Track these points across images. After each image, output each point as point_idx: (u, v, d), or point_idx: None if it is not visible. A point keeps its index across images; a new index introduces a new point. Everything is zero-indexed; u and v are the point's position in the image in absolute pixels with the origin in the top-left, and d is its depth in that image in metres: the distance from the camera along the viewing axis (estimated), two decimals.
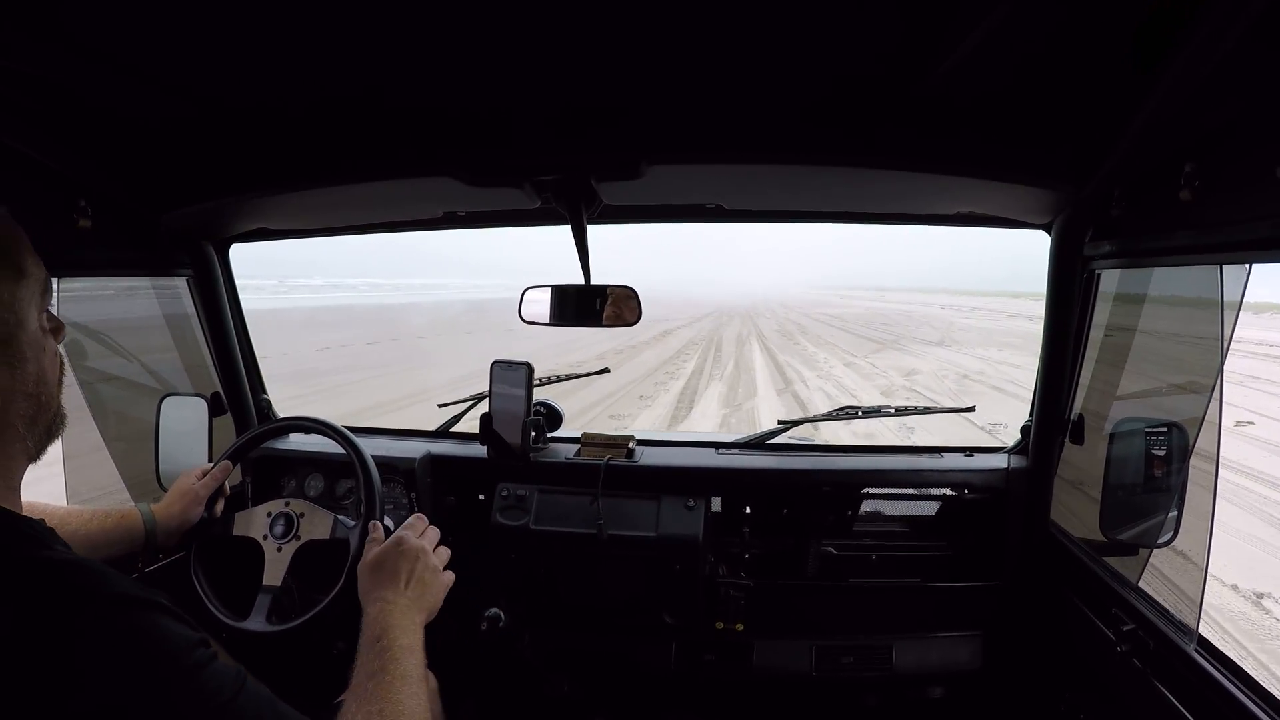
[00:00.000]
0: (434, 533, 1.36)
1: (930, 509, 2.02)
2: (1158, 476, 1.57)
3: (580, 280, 1.75)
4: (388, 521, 1.76)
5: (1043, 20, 1.01)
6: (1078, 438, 1.81)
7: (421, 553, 1.25)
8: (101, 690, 0.66)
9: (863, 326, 38.95)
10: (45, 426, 0.84)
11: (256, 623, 1.61)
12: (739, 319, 44.93)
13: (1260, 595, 5.38)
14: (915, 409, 2.24)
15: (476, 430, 2.02)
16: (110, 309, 2.12)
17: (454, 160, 1.47)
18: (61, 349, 0.90)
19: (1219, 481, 1.55)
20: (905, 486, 2.01)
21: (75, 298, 1.96)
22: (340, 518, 1.69)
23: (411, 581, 1.19)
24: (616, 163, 1.44)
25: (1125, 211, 1.47)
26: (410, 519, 1.38)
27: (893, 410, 2.19)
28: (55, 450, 0.97)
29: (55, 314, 0.88)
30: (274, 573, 1.66)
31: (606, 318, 1.80)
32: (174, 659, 0.71)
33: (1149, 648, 1.39)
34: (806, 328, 37.72)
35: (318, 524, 1.69)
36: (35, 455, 0.83)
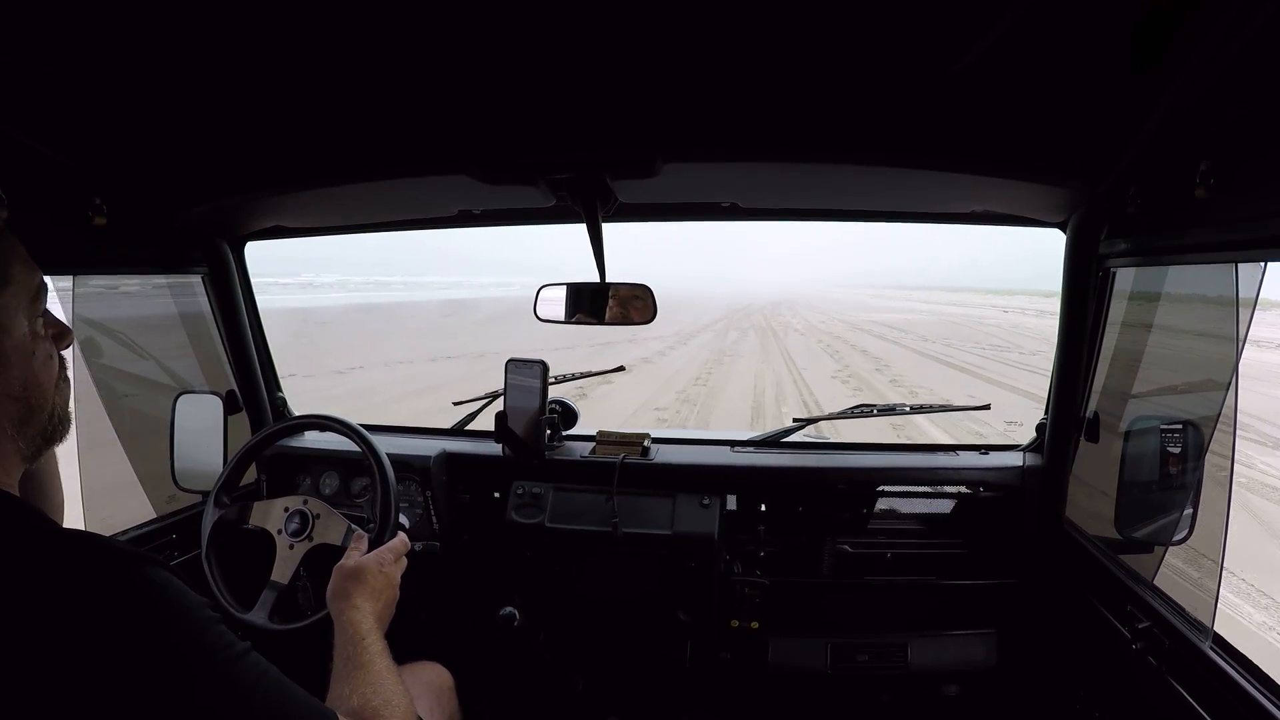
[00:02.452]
0: (403, 547, 1.42)
1: (945, 507, 2.02)
2: (1173, 474, 1.57)
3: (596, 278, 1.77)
4: (403, 519, 1.77)
5: (1057, 18, 1.02)
6: (1093, 436, 1.81)
7: (392, 584, 1.32)
8: (117, 638, 0.69)
9: (964, 348, 23.57)
10: (40, 429, 0.85)
11: (259, 617, 1.62)
12: (754, 335, 28.86)
13: None
14: (931, 406, 2.25)
15: (492, 428, 2.02)
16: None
17: (469, 158, 1.47)
18: (77, 350, 0.91)
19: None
20: (920, 484, 2.01)
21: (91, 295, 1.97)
22: (354, 526, 1.68)
23: (382, 605, 1.26)
24: (632, 161, 1.45)
25: (1140, 209, 1.47)
26: (394, 541, 1.40)
27: (908, 408, 2.19)
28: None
29: (60, 319, 0.89)
30: (283, 570, 1.66)
31: (620, 316, 1.81)
32: (186, 611, 0.74)
33: (1164, 645, 1.39)
34: (880, 358, 20.79)
35: (332, 529, 1.68)
36: (31, 457, 0.85)
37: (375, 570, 1.28)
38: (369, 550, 1.37)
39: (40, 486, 1.02)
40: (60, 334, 0.89)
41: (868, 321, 37.54)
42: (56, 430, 0.88)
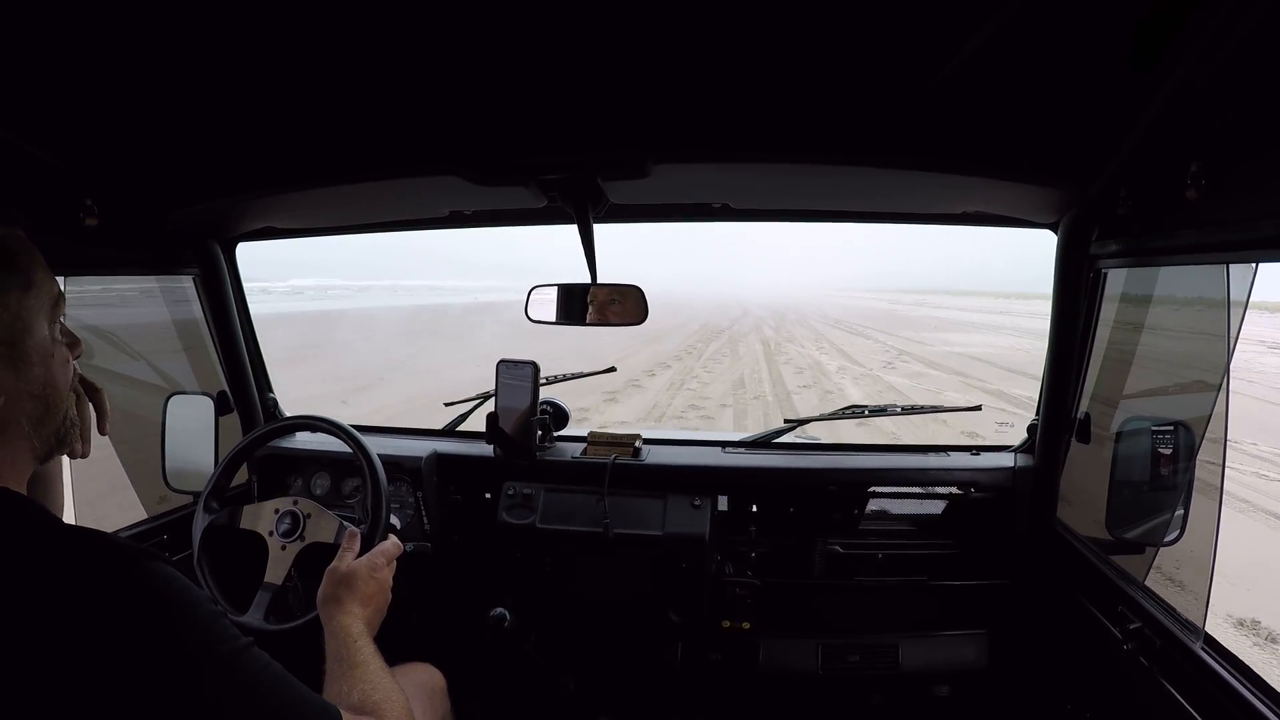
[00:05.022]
0: (395, 550, 1.41)
1: (936, 508, 2.02)
2: (1164, 475, 1.58)
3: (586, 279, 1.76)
4: (394, 520, 1.77)
5: (1048, 19, 1.02)
6: (1084, 436, 1.81)
7: (384, 588, 1.32)
8: (124, 632, 0.70)
9: None
10: (54, 430, 0.88)
11: (254, 619, 1.62)
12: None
13: None
14: (922, 407, 2.24)
15: (483, 429, 2.02)
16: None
17: (460, 159, 1.47)
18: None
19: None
20: (911, 485, 2.01)
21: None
22: (345, 523, 1.69)
23: (372, 610, 1.26)
24: (623, 162, 1.44)
25: (1131, 211, 1.48)
26: (385, 544, 1.39)
27: (899, 409, 2.19)
28: None
29: (70, 328, 0.92)
30: (276, 571, 1.67)
31: (611, 317, 1.81)
32: (190, 606, 0.76)
33: (1155, 646, 1.39)
34: None
35: (323, 527, 1.69)
36: (43, 457, 0.87)
37: (367, 575, 1.28)
38: (362, 547, 1.37)
39: (43, 486, 1.03)
40: (73, 343, 0.92)
41: (960, 355, 21.17)
42: (69, 433, 0.91)
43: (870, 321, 37.39)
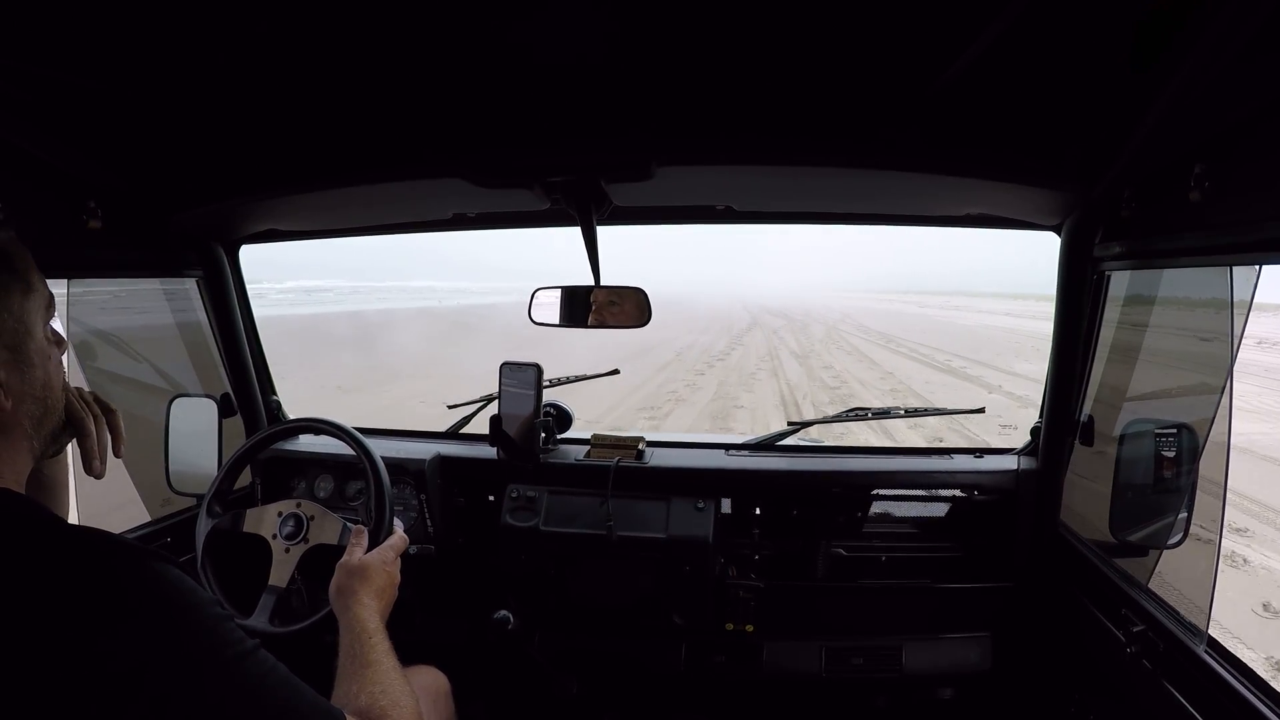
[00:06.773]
0: (402, 544, 1.43)
1: (940, 510, 2.02)
2: (1167, 478, 1.57)
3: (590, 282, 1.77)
4: (397, 523, 1.78)
5: (1051, 22, 1.02)
6: (1087, 439, 1.81)
7: (394, 583, 1.33)
8: (128, 633, 0.70)
9: None
10: (51, 429, 0.90)
11: (259, 621, 1.61)
12: None
13: None
14: (925, 410, 2.25)
15: (486, 432, 2.02)
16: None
17: (464, 161, 1.47)
18: (71, 353, 0.94)
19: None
20: (915, 488, 2.01)
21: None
22: (349, 525, 1.69)
23: (385, 603, 1.28)
24: (626, 164, 1.44)
25: (1135, 213, 1.48)
26: (393, 539, 1.41)
27: (903, 411, 2.20)
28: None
29: (56, 328, 0.93)
30: (280, 573, 1.66)
31: (614, 319, 1.82)
32: (195, 608, 0.75)
33: (1159, 649, 1.39)
34: None
35: (327, 529, 1.69)
36: (40, 455, 0.89)
37: (379, 567, 1.30)
38: (368, 545, 1.38)
39: (48, 489, 1.04)
40: (59, 340, 0.92)
41: None
42: (64, 432, 0.94)
43: (924, 337, 25.68)
